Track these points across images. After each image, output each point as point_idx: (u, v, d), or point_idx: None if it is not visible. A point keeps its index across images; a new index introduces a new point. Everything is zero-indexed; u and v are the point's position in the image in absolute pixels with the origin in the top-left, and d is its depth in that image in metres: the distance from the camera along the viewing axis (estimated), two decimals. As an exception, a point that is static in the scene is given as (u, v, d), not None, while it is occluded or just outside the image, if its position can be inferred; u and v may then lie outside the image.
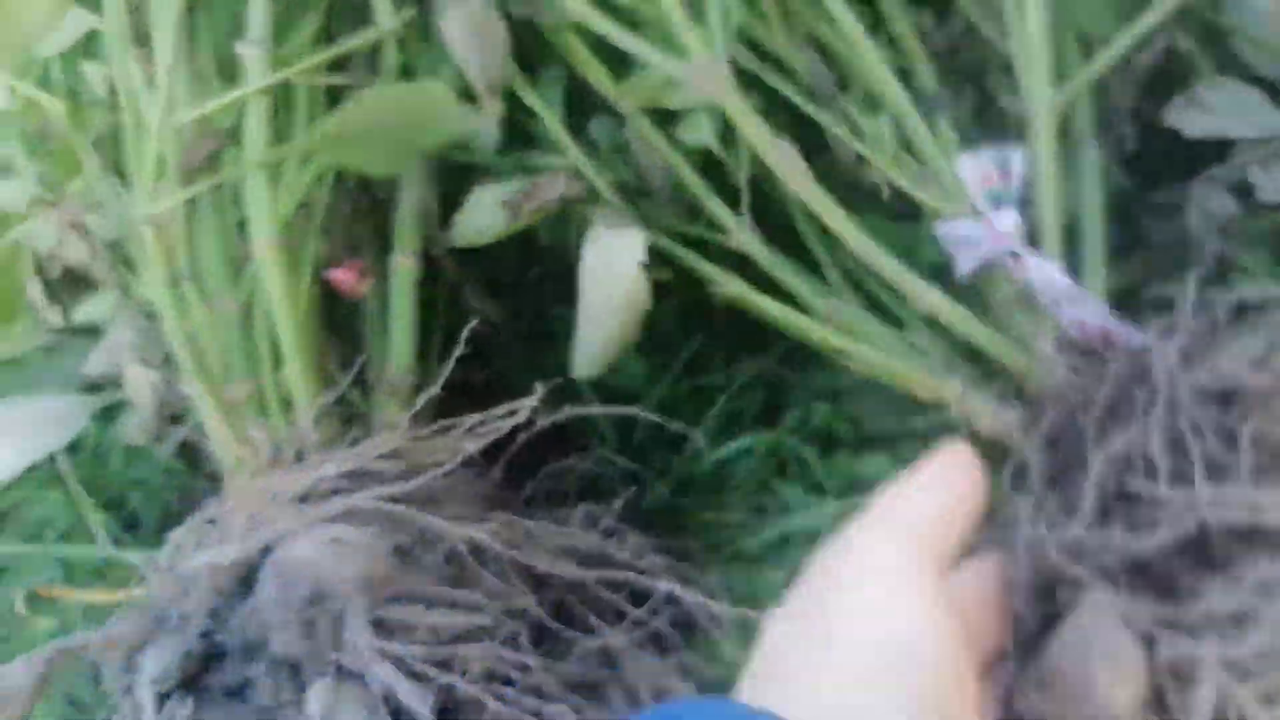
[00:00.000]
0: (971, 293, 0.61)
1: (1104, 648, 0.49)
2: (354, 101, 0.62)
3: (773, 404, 0.70)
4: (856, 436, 0.68)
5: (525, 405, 0.51)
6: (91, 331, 0.78)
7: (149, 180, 0.60)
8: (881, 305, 0.66)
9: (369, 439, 0.53)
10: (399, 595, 0.45)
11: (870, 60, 0.61)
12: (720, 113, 0.70)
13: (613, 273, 0.62)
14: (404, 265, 0.63)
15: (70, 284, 0.77)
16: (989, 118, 0.69)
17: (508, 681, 0.44)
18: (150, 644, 0.45)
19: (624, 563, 0.50)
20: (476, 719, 0.44)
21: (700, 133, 0.70)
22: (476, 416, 0.53)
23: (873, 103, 0.64)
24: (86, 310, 0.75)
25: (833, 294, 0.65)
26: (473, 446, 0.52)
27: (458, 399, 0.58)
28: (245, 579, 0.47)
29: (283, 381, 0.56)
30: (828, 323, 0.63)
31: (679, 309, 0.73)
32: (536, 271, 0.79)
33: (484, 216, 0.70)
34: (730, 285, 0.66)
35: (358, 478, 0.51)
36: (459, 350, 0.56)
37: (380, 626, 0.44)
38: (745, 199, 0.68)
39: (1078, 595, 0.51)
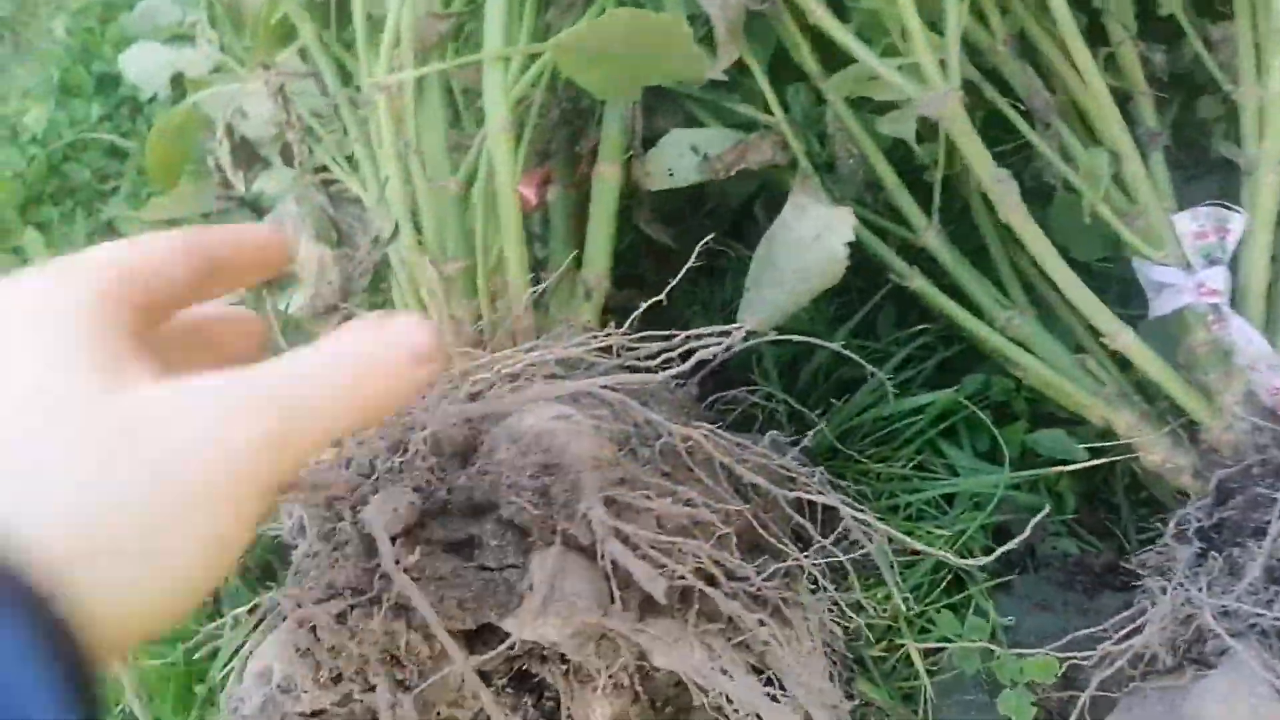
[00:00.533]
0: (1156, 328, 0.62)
1: (1251, 706, 0.51)
2: (591, 20, 0.63)
3: (945, 371, 0.71)
4: (1033, 413, 0.69)
5: (739, 330, 0.50)
6: (255, 205, 0.78)
7: (386, 50, 0.60)
8: (1058, 325, 0.67)
9: (579, 332, 0.53)
10: (624, 480, 0.45)
11: (1096, 90, 0.63)
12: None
13: (817, 244, 0.63)
14: (608, 173, 0.63)
15: (242, 157, 0.77)
16: (1196, 152, 0.71)
17: (710, 582, 0.44)
18: (378, 491, 0.45)
19: (815, 488, 0.50)
20: (683, 613, 0.45)
21: (902, 129, 0.71)
22: (685, 333, 0.52)
23: (1089, 132, 0.66)
24: (261, 183, 0.75)
25: (1012, 305, 0.66)
26: (682, 356, 0.51)
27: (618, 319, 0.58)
28: (468, 442, 0.47)
29: (495, 265, 0.56)
30: (1004, 332, 0.64)
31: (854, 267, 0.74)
32: (707, 207, 0.80)
33: (678, 160, 0.71)
34: (914, 280, 0.67)
35: (571, 366, 0.51)
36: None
37: (611, 505, 0.43)
38: (936, 201, 0.69)
39: (1226, 653, 0.52)
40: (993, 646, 0.57)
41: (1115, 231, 0.67)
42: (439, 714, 0.47)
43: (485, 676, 0.48)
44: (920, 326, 0.73)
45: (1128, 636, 0.53)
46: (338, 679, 0.47)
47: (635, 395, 0.48)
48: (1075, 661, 0.55)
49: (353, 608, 0.44)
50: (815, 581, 0.52)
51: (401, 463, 0.46)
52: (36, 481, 0.21)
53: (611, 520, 0.42)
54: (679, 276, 0.57)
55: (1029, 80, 0.67)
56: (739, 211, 0.82)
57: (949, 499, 0.66)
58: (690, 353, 0.51)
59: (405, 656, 0.45)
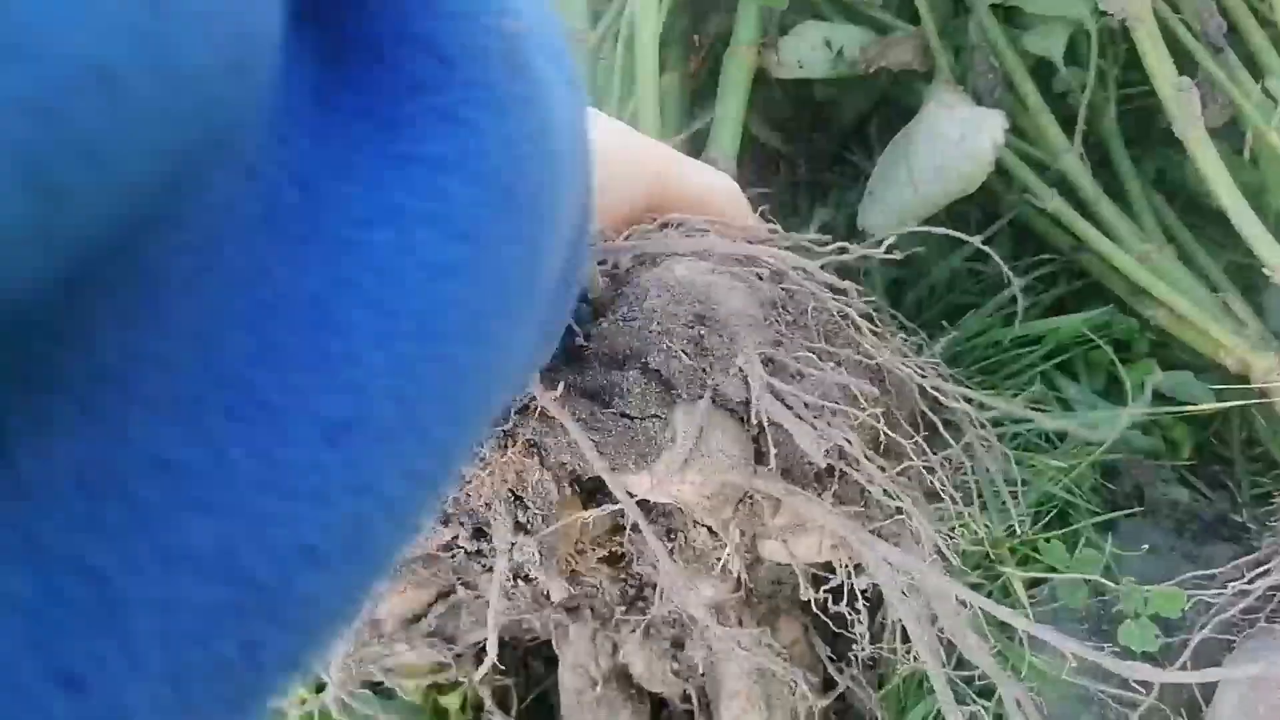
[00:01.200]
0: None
1: None
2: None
3: (1061, 310, 0.67)
4: (1156, 352, 0.66)
5: (889, 235, 0.47)
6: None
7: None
8: (1195, 263, 0.64)
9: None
10: (779, 344, 0.42)
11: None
12: (1072, 32, 0.68)
13: (962, 144, 0.60)
14: (744, 54, 0.61)
15: None
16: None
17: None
18: None
19: (952, 394, 0.47)
20: (819, 492, 0.42)
21: (1052, 45, 0.67)
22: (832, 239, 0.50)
23: (1255, 64, 0.62)
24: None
25: (1149, 239, 0.63)
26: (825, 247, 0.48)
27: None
28: (607, 293, 0.44)
29: (632, 118, 0.53)
30: (1144, 263, 0.61)
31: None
32: (823, 115, 0.76)
33: (810, 52, 0.67)
34: (1050, 201, 0.63)
35: (718, 226, 0.48)
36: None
37: (769, 364, 0.40)
38: (1080, 123, 0.66)
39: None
40: (1106, 581, 0.55)
41: (1259, 182, 0.64)
42: (557, 564, 0.45)
43: (580, 553, 0.47)
44: (1038, 258, 0.70)
45: (1257, 577, 0.51)
46: (447, 520, 0.44)
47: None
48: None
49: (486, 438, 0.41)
50: (933, 493, 0.50)
51: None
52: None
53: (769, 378, 0.40)
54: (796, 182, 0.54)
55: (1203, 3, 0.64)
56: (850, 129, 0.78)
57: (1060, 434, 0.63)
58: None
59: (530, 498, 0.42)
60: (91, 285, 0.13)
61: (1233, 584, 0.51)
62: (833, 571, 0.45)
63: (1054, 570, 0.57)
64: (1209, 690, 0.55)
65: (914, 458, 0.44)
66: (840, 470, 0.42)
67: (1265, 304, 0.63)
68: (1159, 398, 0.65)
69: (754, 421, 0.41)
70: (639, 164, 0.42)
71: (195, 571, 0.13)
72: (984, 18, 0.68)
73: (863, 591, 0.44)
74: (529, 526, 0.43)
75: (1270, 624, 0.51)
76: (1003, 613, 0.40)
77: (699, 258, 0.44)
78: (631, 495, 0.42)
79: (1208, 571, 0.56)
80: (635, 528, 0.42)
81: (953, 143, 0.60)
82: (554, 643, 0.53)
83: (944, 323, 0.64)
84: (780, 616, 0.52)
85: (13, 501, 0.12)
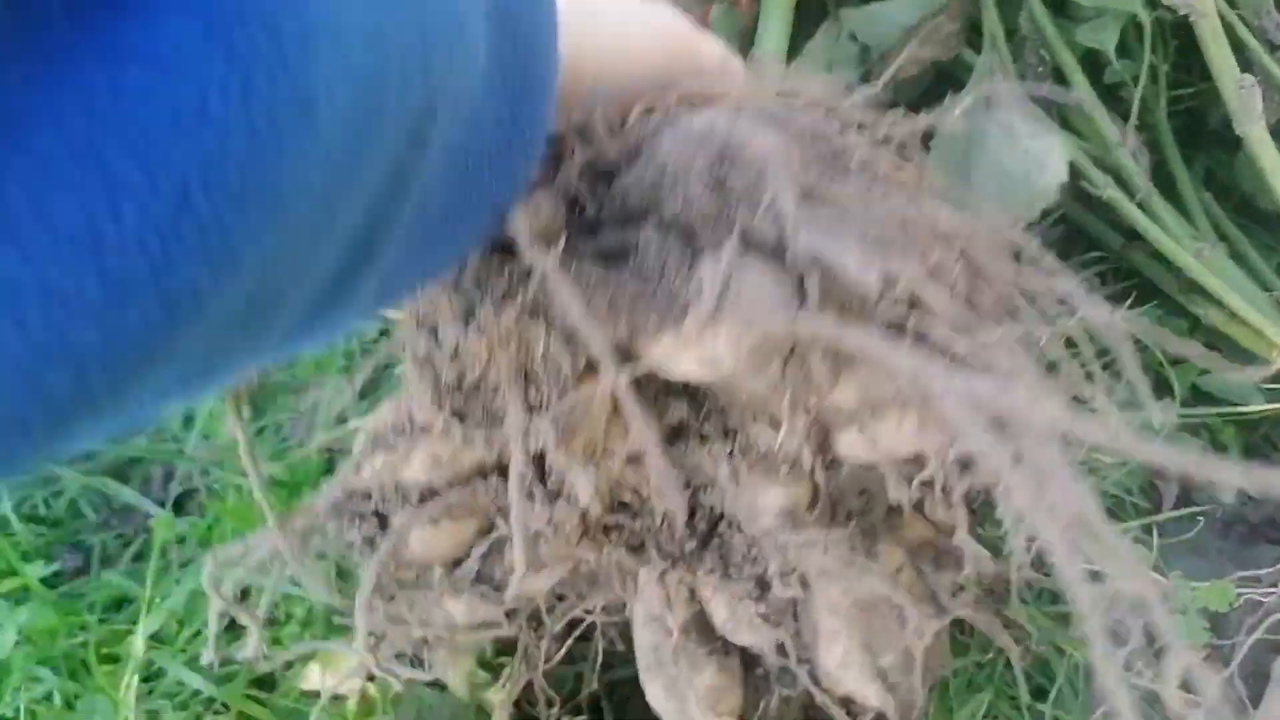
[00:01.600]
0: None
1: None
2: None
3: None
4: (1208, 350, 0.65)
5: None
6: None
7: None
8: (1246, 262, 0.63)
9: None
10: (819, 181, 0.35)
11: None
12: (1124, 25, 0.68)
13: (1027, 183, 0.57)
14: None
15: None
16: None
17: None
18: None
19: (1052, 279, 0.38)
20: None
21: (1105, 38, 0.67)
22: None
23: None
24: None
25: (1201, 238, 0.63)
26: None
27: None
28: (620, 159, 0.38)
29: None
30: (1198, 259, 0.61)
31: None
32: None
33: (835, 50, 0.67)
34: (1107, 190, 0.63)
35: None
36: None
37: (808, 198, 0.34)
38: (1134, 118, 0.65)
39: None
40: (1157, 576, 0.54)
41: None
42: (579, 448, 0.39)
43: (633, 461, 0.40)
44: (1087, 256, 0.69)
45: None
46: (461, 418, 0.40)
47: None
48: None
49: (480, 301, 0.36)
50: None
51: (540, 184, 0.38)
52: None
53: (805, 210, 0.33)
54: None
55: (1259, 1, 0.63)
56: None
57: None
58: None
59: (543, 374, 0.37)
60: None
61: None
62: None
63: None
64: (1256, 692, 0.54)
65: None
66: (909, 325, 0.35)
67: (1315, 306, 0.62)
68: (1208, 398, 0.64)
69: (792, 265, 0.35)
70: (654, 37, 0.40)
71: None
72: (1035, 7, 0.68)
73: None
74: (542, 405, 0.38)
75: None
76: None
77: (724, 112, 0.39)
78: (692, 388, 0.36)
79: (1254, 572, 0.55)
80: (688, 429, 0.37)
81: (1018, 180, 0.59)
82: (626, 594, 0.48)
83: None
84: (878, 539, 0.45)
85: None
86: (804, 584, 0.43)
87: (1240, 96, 0.57)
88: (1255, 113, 0.56)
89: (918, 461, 0.39)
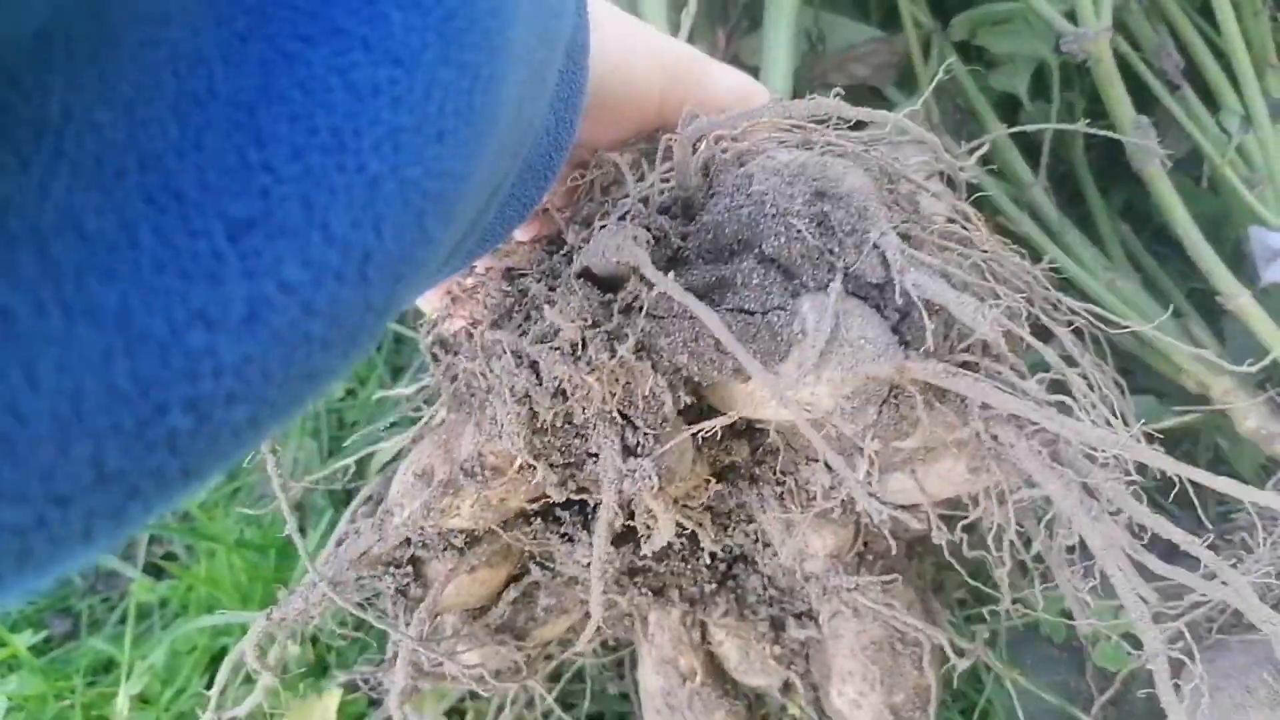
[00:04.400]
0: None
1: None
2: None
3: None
4: (1122, 374, 0.68)
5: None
6: None
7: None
8: (1158, 289, 0.67)
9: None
10: (908, 221, 0.37)
11: (1236, 52, 0.62)
12: (1036, 69, 0.71)
13: None
14: None
15: None
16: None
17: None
18: (599, 232, 0.36)
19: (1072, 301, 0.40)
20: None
21: (1016, 82, 0.71)
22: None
23: (1213, 101, 0.65)
24: None
25: (1114, 267, 0.66)
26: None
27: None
28: (698, 192, 0.39)
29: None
30: (1108, 290, 0.64)
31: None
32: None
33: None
34: (1022, 225, 0.66)
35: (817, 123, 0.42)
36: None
37: (906, 240, 0.35)
38: (1045, 156, 0.69)
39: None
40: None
41: (1218, 210, 0.67)
42: (671, 493, 0.38)
43: (679, 504, 0.40)
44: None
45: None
46: (537, 456, 0.38)
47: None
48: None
49: (588, 339, 0.35)
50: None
51: (603, 228, 0.37)
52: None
53: (911, 250, 0.34)
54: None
55: (1161, 41, 0.67)
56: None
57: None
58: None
59: (641, 414, 0.36)
60: (58, 36, 0.14)
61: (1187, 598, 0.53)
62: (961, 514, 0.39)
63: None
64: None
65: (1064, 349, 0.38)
66: (989, 364, 0.36)
67: (1226, 329, 0.66)
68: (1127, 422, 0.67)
69: (893, 308, 0.35)
70: (655, 65, 0.41)
71: (92, 322, 0.15)
72: (948, 54, 0.71)
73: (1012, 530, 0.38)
74: (640, 448, 0.36)
75: (1222, 636, 0.54)
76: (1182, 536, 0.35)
77: (799, 147, 0.39)
78: (755, 429, 0.36)
79: (1167, 583, 0.58)
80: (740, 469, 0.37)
81: None
82: (635, 638, 0.48)
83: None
84: (895, 581, 0.46)
85: None
86: (819, 625, 0.45)
87: (1137, 137, 0.60)
88: (1151, 153, 0.60)
89: (951, 504, 0.40)
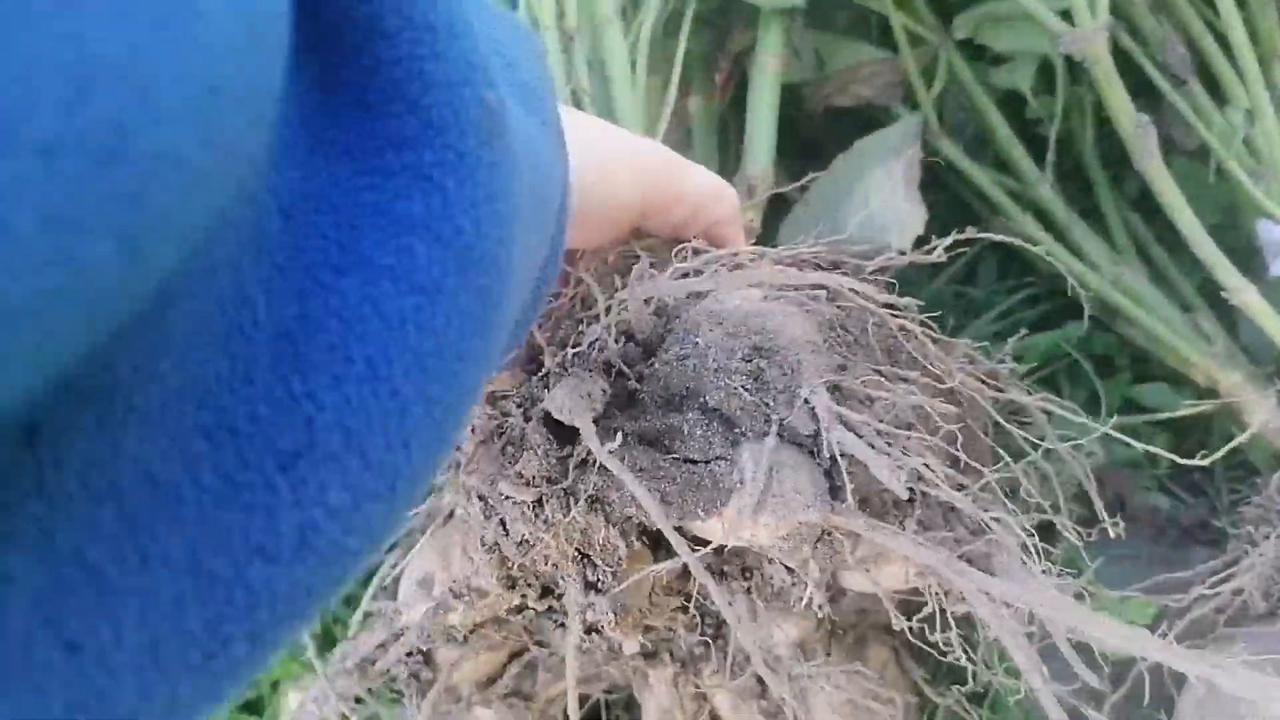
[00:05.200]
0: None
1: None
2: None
3: (1045, 327, 0.70)
4: (1135, 367, 0.69)
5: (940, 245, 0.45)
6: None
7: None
8: (1167, 282, 0.67)
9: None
10: (843, 367, 0.40)
11: (1241, 50, 0.62)
12: (1038, 65, 0.72)
13: (880, 233, 0.60)
14: (770, 64, 0.61)
15: None
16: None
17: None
18: (549, 387, 0.41)
19: (1031, 396, 0.45)
20: (899, 520, 0.39)
21: (1019, 78, 0.71)
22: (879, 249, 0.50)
23: (1220, 94, 0.65)
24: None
25: (1122, 261, 0.67)
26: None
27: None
28: (655, 333, 0.43)
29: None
30: (1115, 284, 0.65)
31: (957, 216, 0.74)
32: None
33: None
34: (1025, 225, 0.67)
35: (770, 256, 0.46)
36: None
37: (834, 392, 0.38)
38: (1051, 153, 0.70)
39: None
40: (1088, 588, 0.58)
41: (1233, 199, 0.67)
42: (631, 620, 0.43)
43: (653, 605, 0.45)
44: (1022, 280, 0.74)
45: (1223, 581, 0.54)
46: (513, 584, 0.44)
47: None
48: (1164, 605, 0.57)
49: (546, 499, 0.40)
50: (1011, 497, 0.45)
51: (575, 355, 0.42)
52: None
53: (837, 407, 0.38)
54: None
55: (1166, 34, 0.67)
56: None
57: (1049, 451, 0.66)
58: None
59: (598, 556, 0.42)
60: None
61: (1194, 588, 0.54)
62: (920, 595, 0.43)
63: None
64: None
65: (994, 469, 0.42)
66: (921, 493, 0.40)
67: (1238, 321, 0.66)
68: (1142, 409, 0.68)
69: (825, 454, 0.39)
70: (635, 170, 0.43)
71: (166, 567, 0.16)
72: (952, 55, 0.72)
73: (954, 615, 0.42)
74: (600, 585, 0.42)
75: (1230, 629, 0.55)
76: (1122, 632, 0.38)
77: (752, 288, 0.43)
78: (705, 543, 0.40)
79: (1179, 574, 0.59)
80: (703, 585, 0.40)
81: (876, 229, 0.62)
82: (635, 690, 0.52)
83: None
84: (868, 644, 0.51)
85: (34, 499, 0.14)
86: (801, 688, 0.48)
87: (1136, 135, 0.61)
88: (1151, 151, 0.60)
89: (912, 591, 0.44)
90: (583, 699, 0.59)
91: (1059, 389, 0.70)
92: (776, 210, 0.73)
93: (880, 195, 0.64)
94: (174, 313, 0.16)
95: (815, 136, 0.77)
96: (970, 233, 0.46)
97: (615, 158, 0.42)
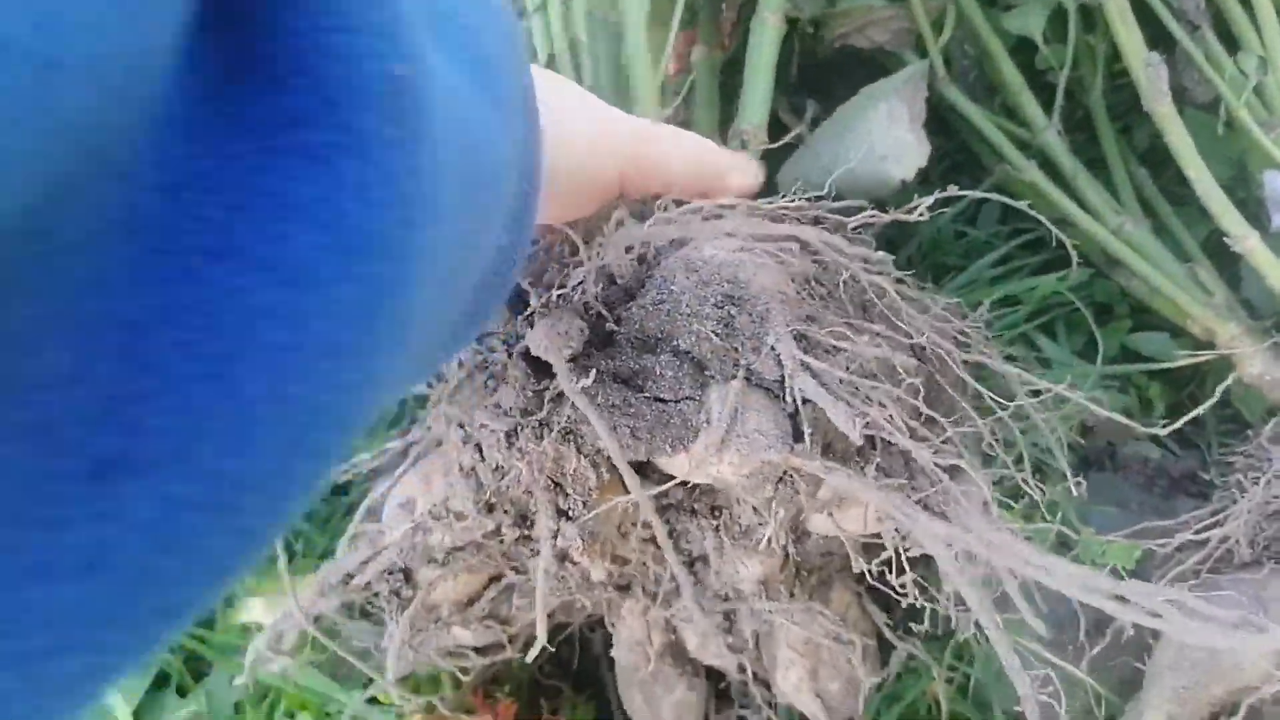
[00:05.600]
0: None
1: None
2: None
3: (1046, 271, 0.70)
4: (1135, 315, 0.69)
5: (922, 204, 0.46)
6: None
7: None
8: (1170, 235, 0.67)
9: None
10: (811, 318, 0.41)
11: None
12: (1050, 11, 0.70)
13: (881, 165, 0.60)
14: (770, 21, 0.60)
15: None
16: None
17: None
18: (533, 325, 0.43)
19: (995, 357, 0.46)
20: (859, 466, 0.41)
21: (1031, 24, 0.70)
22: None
23: (1232, 41, 0.64)
24: None
25: (1126, 211, 0.66)
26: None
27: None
28: (635, 278, 0.45)
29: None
30: (1117, 235, 0.65)
31: (962, 161, 0.74)
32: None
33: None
34: (1028, 172, 0.67)
35: (742, 204, 0.47)
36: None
37: (801, 341, 0.40)
38: (1059, 100, 0.69)
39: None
40: (1070, 531, 0.59)
41: (1240, 154, 0.67)
42: (599, 548, 0.45)
43: (623, 537, 0.46)
44: (1025, 225, 0.73)
45: (1209, 528, 0.54)
46: (490, 509, 0.46)
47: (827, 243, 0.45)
48: (1148, 550, 0.57)
49: (520, 428, 0.42)
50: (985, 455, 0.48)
51: (560, 296, 0.45)
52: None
53: (802, 355, 0.40)
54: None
55: (1181, -21, 0.66)
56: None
57: (1036, 392, 0.66)
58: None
59: (570, 485, 0.44)
60: None
61: (1180, 535, 0.55)
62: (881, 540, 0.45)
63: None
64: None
65: (959, 423, 0.43)
66: (882, 441, 0.42)
67: (1242, 274, 0.66)
68: (1137, 358, 0.68)
69: (790, 400, 0.41)
70: (612, 143, 0.43)
71: None
72: (968, 8, 0.71)
73: (917, 559, 0.44)
74: (570, 513, 0.44)
75: (1213, 575, 0.55)
76: (1081, 573, 0.39)
77: (729, 237, 0.44)
78: (672, 478, 0.42)
79: (1165, 523, 0.60)
80: (659, 521, 0.42)
81: (875, 158, 0.61)
82: (606, 619, 0.54)
83: (929, 282, 0.68)
84: (832, 586, 0.53)
85: None
86: (767, 623, 0.50)
87: (1147, 75, 0.60)
88: (1161, 91, 0.60)
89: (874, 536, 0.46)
90: (562, 627, 0.60)
91: (1055, 335, 0.70)
92: (786, 151, 0.73)
93: (883, 129, 0.64)
94: (11, 297, 0.14)
95: (825, 79, 0.77)
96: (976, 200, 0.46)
97: (597, 137, 0.42)
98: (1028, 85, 0.70)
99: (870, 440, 0.41)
